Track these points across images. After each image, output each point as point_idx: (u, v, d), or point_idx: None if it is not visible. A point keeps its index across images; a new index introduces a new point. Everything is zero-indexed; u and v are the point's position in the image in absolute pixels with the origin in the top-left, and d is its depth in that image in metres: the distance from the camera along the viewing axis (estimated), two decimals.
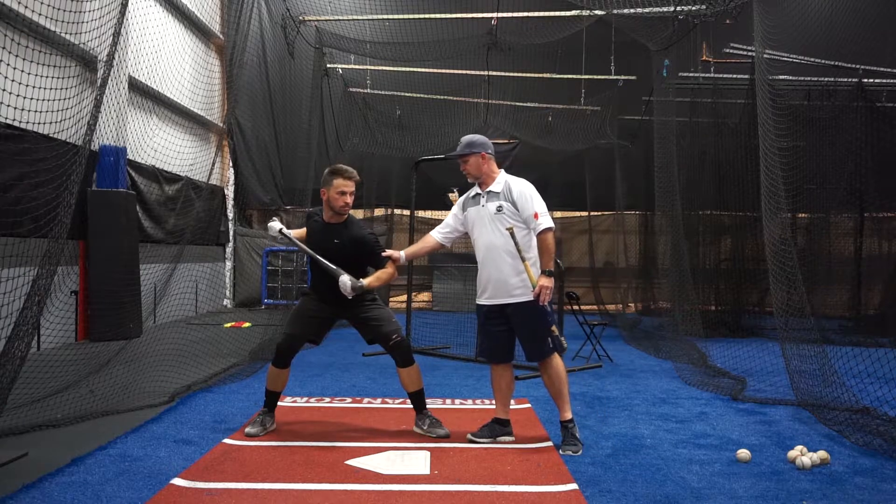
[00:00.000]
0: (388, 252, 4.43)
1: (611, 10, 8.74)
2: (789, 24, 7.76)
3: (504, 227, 4.12)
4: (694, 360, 7.10)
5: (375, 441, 4.25)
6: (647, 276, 12.89)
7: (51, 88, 5.43)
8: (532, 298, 4.05)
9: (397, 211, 15.16)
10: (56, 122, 5.41)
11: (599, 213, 15.03)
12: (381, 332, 4.39)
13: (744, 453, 3.97)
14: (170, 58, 10.79)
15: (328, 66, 12.09)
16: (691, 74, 10.71)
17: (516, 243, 4.06)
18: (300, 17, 10.94)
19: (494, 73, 11.69)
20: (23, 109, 4.98)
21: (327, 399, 5.50)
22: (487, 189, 4.26)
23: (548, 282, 4.02)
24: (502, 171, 4.37)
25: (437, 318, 10.57)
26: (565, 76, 12.55)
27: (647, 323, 11.33)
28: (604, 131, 12.85)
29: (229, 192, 13.99)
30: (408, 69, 12.61)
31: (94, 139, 8.22)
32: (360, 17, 11.68)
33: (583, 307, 8.38)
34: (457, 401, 5.47)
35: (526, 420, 4.79)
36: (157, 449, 4.03)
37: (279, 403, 4.63)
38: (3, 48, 5.26)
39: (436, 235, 4.51)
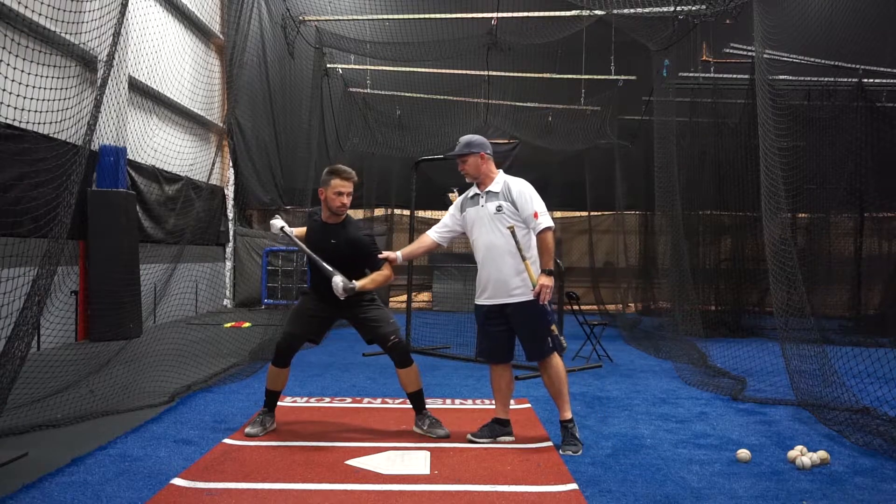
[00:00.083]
0: (385, 253, 4.42)
1: (611, 10, 8.74)
2: (789, 24, 7.76)
3: (504, 227, 4.12)
4: (694, 360, 7.10)
5: (375, 441, 4.25)
6: (647, 276, 12.89)
7: (51, 88, 5.42)
8: (532, 298, 4.05)
9: (397, 211, 15.17)
10: (56, 122, 5.41)
11: (599, 213, 15.04)
12: (379, 332, 4.39)
13: (744, 453, 3.97)
14: (170, 58, 10.79)
15: (328, 66, 12.09)
16: (691, 74, 10.71)
17: (517, 242, 4.06)
18: (300, 17, 10.94)
19: (494, 73, 11.69)
20: (23, 109, 4.98)
21: (327, 399, 5.50)
22: (486, 189, 4.25)
23: (548, 281, 4.02)
24: (500, 171, 4.37)
25: (437, 318, 10.56)
26: (565, 76, 12.55)
27: (647, 323, 11.33)
28: (604, 131, 12.85)
29: (229, 192, 14.00)
30: (408, 69, 12.61)
31: (94, 139, 8.22)
32: (360, 17, 11.68)
33: (583, 307, 8.38)
34: (457, 401, 5.47)
35: (526, 420, 4.79)
36: (157, 449, 4.03)
37: (279, 403, 4.64)
38: (3, 48, 5.26)
39: (432, 235, 4.51)
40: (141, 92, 10.27)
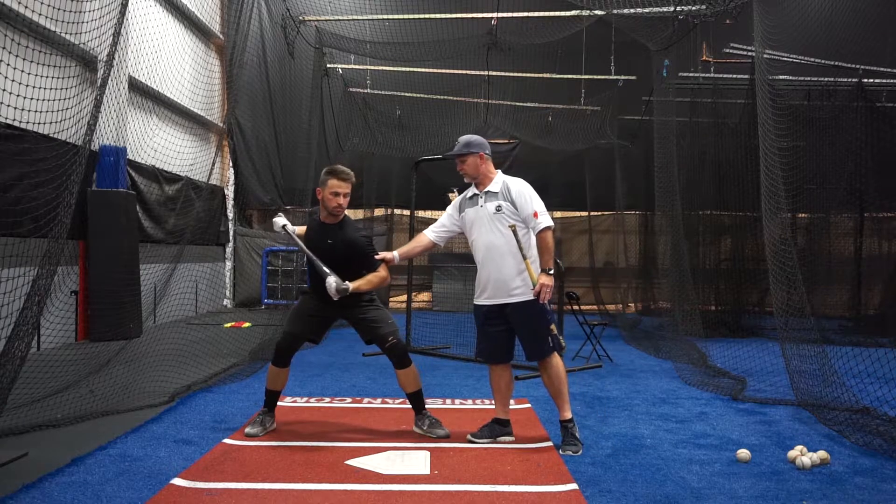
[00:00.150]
0: (382, 254, 4.40)
1: (611, 10, 8.74)
2: (789, 24, 7.75)
3: (504, 227, 4.12)
4: (694, 360, 7.10)
5: (375, 441, 4.25)
6: (647, 276, 12.89)
7: (51, 88, 5.42)
8: (532, 298, 4.05)
9: (397, 211, 15.17)
10: (56, 122, 5.41)
11: (599, 213, 15.03)
12: (377, 333, 4.39)
13: (744, 453, 3.97)
14: (170, 58, 10.79)
15: (328, 66, 12.09)
16: (691, 74, 10.72)
17: (518, 241, 4.06)
18: (300, 17, 10.94)
19: (494, 73, 11.69)
20: (23, 109, 4.98)
21: (327, 399, 5.50)
22: (485, 189, 4.25)
23: (548, 280, 4.02)
24: (499, 171, 4.36)
25: (437, 318, 10.56)
26: (565, 76, 12.55)
27: (647, 323, 11.34)
28: (604, 131, 12.85)
29: (229, 192, 14.00)
30: (408, 69, 12.61)
31: (94, 139, 8.22)
32: (360, 17, 11.68)
33: (583, 307, 8.38)
34: (457, 401, 5.48)
35: (526, 420, 4.79)
36: (157, 449, 4.03)
37: (279, 403, 4.64)
38: (3, 48, 5.26)
39: (429, 234, 4.50)
40: (141, 92, 10.27)
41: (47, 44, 7.66)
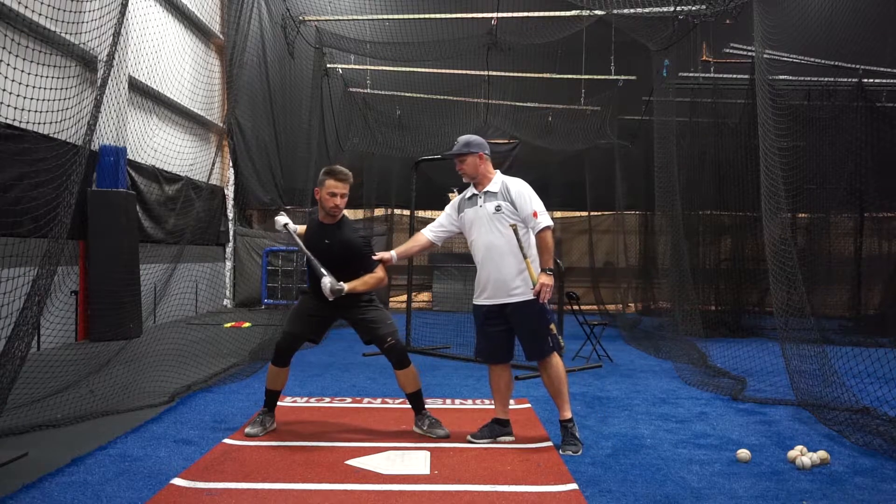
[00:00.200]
0: (380, 254, 4.40)
1: (611, 10, 8.74)
2: (789, 24, 7.75)
3: (503, 227, 4.12)
4: (694, 360, 7.10)
5: (375, 441, 4.25)
6: (647, 276, 12.89)
7: (51, 88, 5.43)
8: (532, 297, 4.05)
9: (397, 211, 15.17)
10: (56, 122, 5.41)
11: (599, 213, 15.04)
12: (376, 333, 4.39)
13: (744, 453, 3.97)
14: (170, 58, 10.79)
15: (328, 66, 12.09)
16: (691, 74, 10.71)
17: (519, 240, 4.06)
18: (300, 17, 10.94)
19: (494, 73, 11.69)
20: (23, 109, 4.98)
21: (327, 399, 5.50)
22: (484, 189, 4.24)
23: (548, 280, 4.02)
24: (498, 171, 4.36)
25: (437, 318, 10.56)
26: (565, 76, 12.54)
27: (647, 323, 11.34)
28: (604, 131, 12.85)
29: (229, 192, 14.00)
30: (408, 69, 12.61)
31: (94, 139, 8.22)
32: (360, 17, 11.68)
33: (583, 307, 8.38)
34: (457, 401, 5.48)
35: (526, 420, 4.79)
36: (157, 449, 4.03)
37: (279, 403, 4.64)
38: (3, 48, 5.26)
39: (427, 234, 4.49)
40: (141, 92, 10.27)
41: (47, 44, 7.66)
